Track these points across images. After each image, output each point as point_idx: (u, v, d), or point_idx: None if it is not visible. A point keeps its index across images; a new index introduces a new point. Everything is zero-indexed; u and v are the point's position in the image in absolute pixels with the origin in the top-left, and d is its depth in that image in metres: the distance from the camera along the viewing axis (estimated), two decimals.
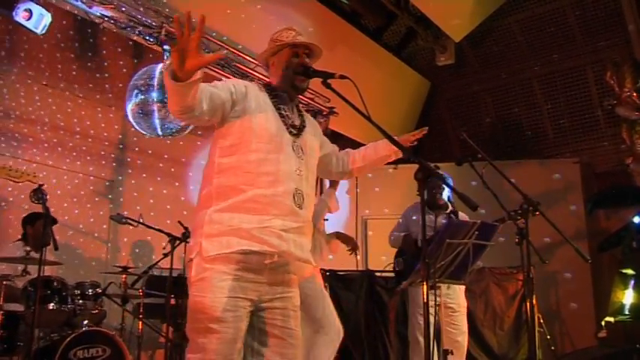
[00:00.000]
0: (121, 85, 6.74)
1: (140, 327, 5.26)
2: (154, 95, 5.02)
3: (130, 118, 5.28)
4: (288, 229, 2.48)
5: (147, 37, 5.55)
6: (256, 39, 6.97)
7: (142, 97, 5.06)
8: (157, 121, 5.10)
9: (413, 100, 9.75)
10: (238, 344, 2.42)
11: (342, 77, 3.11)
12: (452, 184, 4.78)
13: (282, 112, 2.67)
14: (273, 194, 2.48)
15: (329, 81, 2.88)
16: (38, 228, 5.15)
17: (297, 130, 2.68)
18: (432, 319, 4.96)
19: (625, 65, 7.86)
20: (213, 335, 2.37)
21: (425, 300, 2.82)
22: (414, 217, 5.20)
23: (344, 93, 3.03)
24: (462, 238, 3.76)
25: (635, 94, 7.83)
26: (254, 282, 2.45)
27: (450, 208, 5.01)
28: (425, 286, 2.82)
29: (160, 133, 5.20)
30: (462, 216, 4.94)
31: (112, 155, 6.77)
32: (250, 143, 2.52)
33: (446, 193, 5.02)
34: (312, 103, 7.45)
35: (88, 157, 6.51)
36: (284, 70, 2.73)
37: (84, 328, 4.59)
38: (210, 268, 2.42)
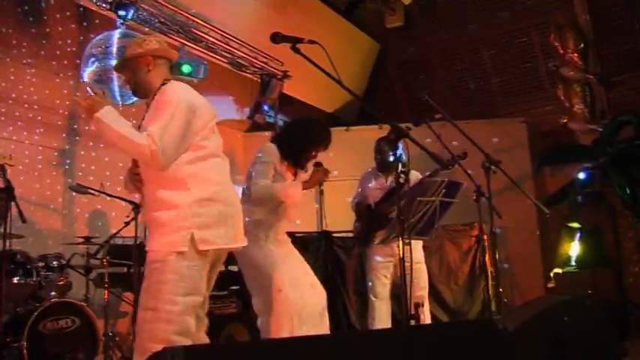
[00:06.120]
0: (69, 50, 6.53)
1: (106, 296, 5.23)
2: (113, 63, 4.90)
3: (87, 87, 5.16)
4: None
5: (98, 3, 5.42)
6: (212, 5, 6.89)
7: (99, 64, 4.94)
8: (116, 89, 5.01)
9: (363, 63, 9.80)
10: None
11: (312, 42, 3.18)
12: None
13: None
14: None
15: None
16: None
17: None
18: (388, 279, 5.18)
19: (567, 28, 8.13)
20: None
21: (401, 255, 2.95)
22: (370, 185, 5.34)
23: (299, 57, 3.13)
24: (430, 195, 3.89)
25: (576, 55, 8.12)
26: None
27: (400, 168, 4.93)
28: (401, 242, 2.94)
29: (119, 100, 5.11)
30: (414, 174, 4.89)
31: (65, 125, 6.56)
32: None
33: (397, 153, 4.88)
34: (266, 67, 7.43)
35: (41, 129, 6.26)
36: None
37: (52, 300, 4.56)
38: None
